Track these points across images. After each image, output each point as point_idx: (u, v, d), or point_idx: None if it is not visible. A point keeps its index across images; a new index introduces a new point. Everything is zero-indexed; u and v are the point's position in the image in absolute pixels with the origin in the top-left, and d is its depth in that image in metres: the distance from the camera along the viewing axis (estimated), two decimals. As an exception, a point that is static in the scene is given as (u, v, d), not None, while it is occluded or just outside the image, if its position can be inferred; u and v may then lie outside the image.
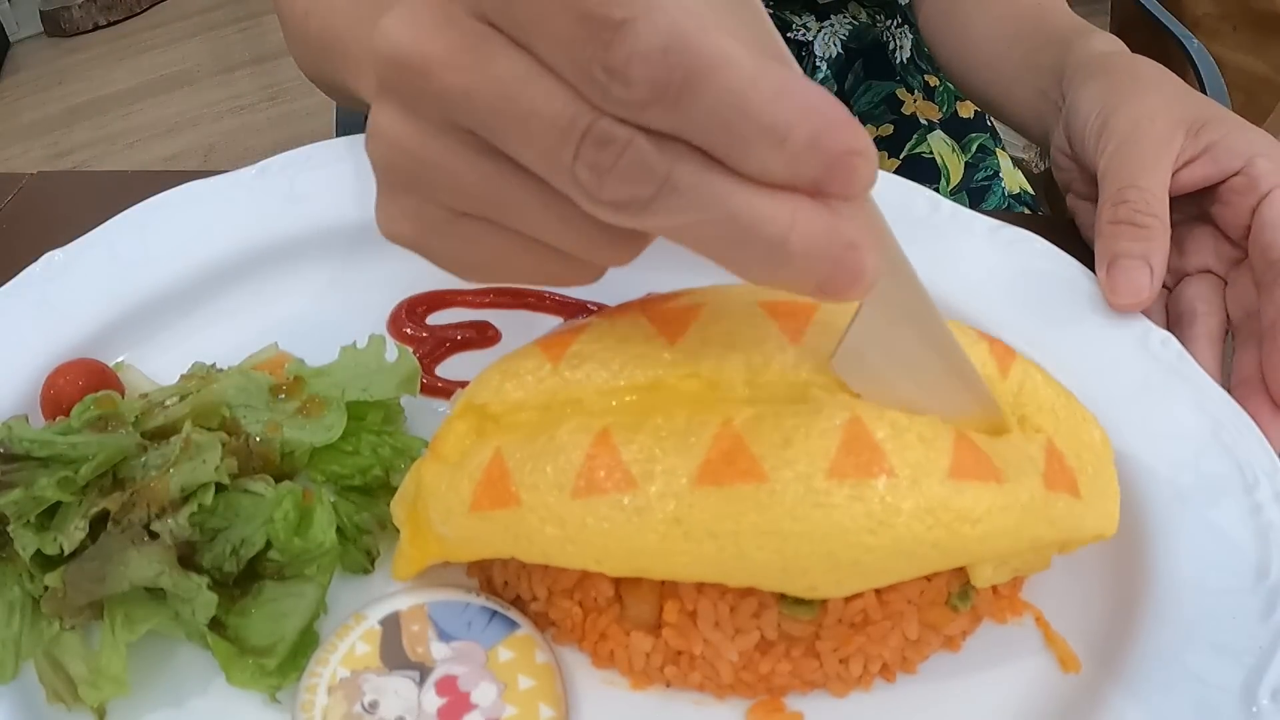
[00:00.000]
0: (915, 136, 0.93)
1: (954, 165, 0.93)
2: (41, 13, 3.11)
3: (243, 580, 0.44)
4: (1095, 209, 0.58)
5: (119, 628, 0.41)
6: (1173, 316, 0.58)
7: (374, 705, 0.40)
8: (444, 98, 0.29)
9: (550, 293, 0.61)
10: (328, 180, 0.62)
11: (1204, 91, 0.98)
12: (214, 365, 0.52)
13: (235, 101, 2.77)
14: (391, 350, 0.51)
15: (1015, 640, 0.45)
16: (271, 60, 2.87)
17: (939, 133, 0.94)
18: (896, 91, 0.95)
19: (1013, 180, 0.94)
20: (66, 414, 0.47)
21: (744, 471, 0.37)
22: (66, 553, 0.42)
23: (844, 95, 0.94)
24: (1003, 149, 0.97)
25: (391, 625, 0.43)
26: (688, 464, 0.38)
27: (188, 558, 0.42)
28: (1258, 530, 0.45)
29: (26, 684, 0.42)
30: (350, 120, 1.06)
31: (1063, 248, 0.58)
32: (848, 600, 0.41)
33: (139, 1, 3.19)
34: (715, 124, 0.27)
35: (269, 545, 0.44)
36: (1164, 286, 0.58)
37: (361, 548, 0.47)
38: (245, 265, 0.60)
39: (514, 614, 0.44)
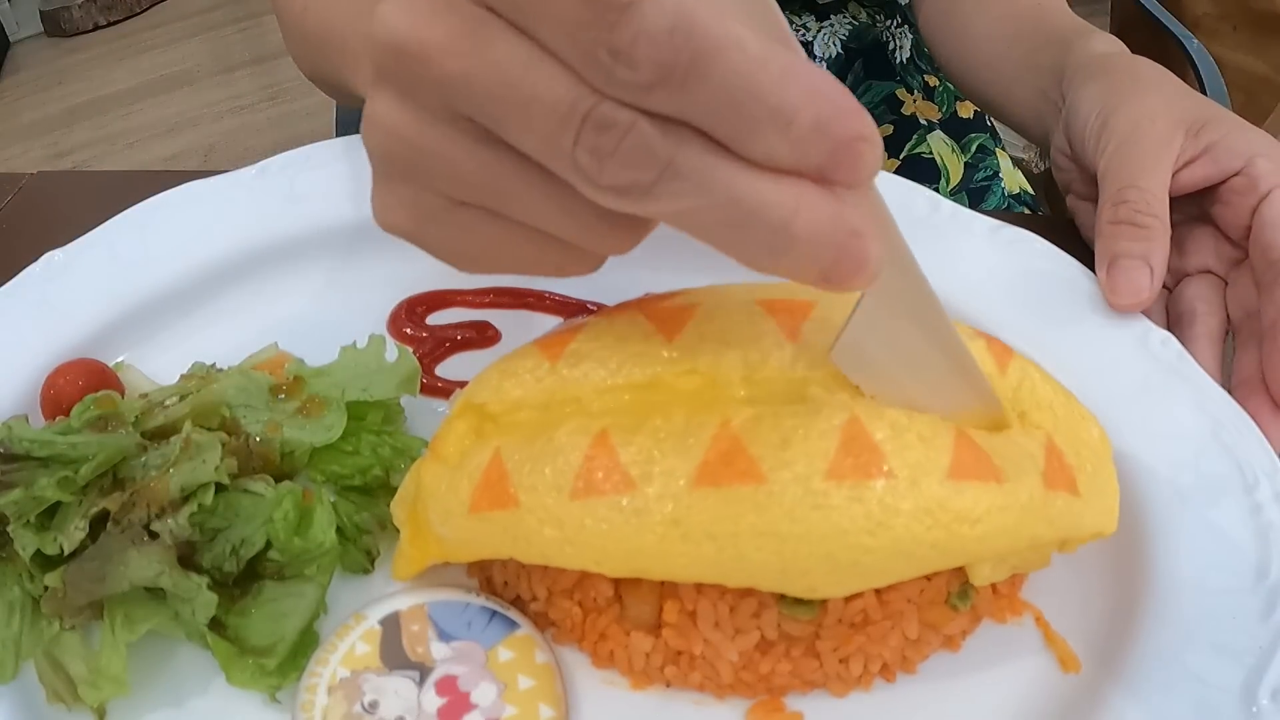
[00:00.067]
0: (915, 136, 0.93)
1: (954, 165, 0.93)
2: (41, 13, 3.11)
3: (243, 580, 0.44)
4: (1095, 209, 0.58)
5: (119, 628, 0.41)
6: (1173, 317, 0.58)
7: (374, 705, 0.40)
8: (442, 84, 0.29)
9: (550, 293, 0.61)
10: (327, 180, 0.62)
11: (1204, 91, 0.98)
12: (214, 365, 0.52)
13: (235, 101, 2.77)
14: (391, 350, 0.51)
15: (1015, 640, 0.45)
16: (271, 60, 2.87)
17: (939, 133, 0.94)
18: (896, 92, 0.95)
19: (1012, 180, 0.94)
20: (66, 414, 0.47)
21: (742, 473, 0.37)
22: (66, 553, 0.42)
23: (844, 95, 0.94)
24: (1002, 149, 0.97)
25: (391, 625, 0.43)
26: (686, 465, 0.38)
27: (188, 558, 0.42)
28: (1258, 530, 0.45)
29: (26, 684, 0.42)
30: (350, 120, 1.06)
31: (1063, 248, 0.58)
32: (847, 600, 0.41)
33: (139, 1, 3.19)
34: (721, 107, 0.27)
35: (269, 545, 0.44)
36: (1164, 287, 0.58)
37: (361, 548, 0.47)
38: (245, 265, 0.60)
39: (514, 614, 0.44)
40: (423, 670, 0.42)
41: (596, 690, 0.43)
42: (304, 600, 0.43)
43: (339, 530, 0.45)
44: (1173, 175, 0.56)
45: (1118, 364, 0.52)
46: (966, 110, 0.97)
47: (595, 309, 0.58)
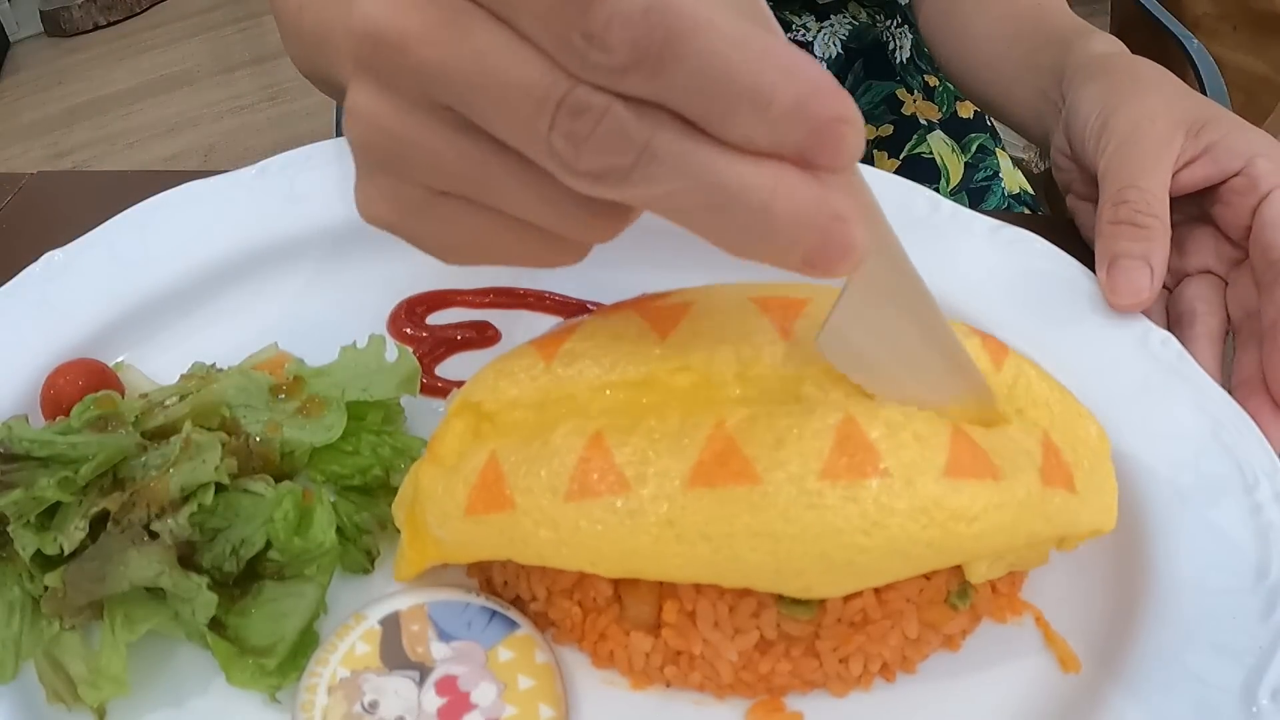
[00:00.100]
0: (915, 137, 0.93)
1: (954, 165, 0.93)
2: (41, 13, 3.11)
3: (243, 580, 0.44)
4: (1095, 209, 0.58)
5: (119, 628, 0.41)
6: (1173, 317, 0.58)
7: (374, 705, 0.40)
8: (421, 73, 0.29)
9: (550, 293, 0.61)
10: (327, 180, 0.62)
11: (1204, 91, 0.98)
12: (214, 365, 0.52)
13: (235, 101, 2.77)
14: (391, 350, 0.51)
15: (1015, 640, 0.45)
16: (271, 60, 2.87)
17: (939, 133, 0.94)
18: (896, 92, 0.95)
19: (1012, 180, 0.94)
20: (66, 414, 0.47)
21: (736, 473, 0.37)
22: (66, 553, 0.42)
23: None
24: (1002, 149, 0.97)
25: (391, 625, 0.43)
26: (680, 466, 0.38)
27: (188, 558, 0.42)
28: (1258, 530, 0.45)
29: (26, 684, 0.42)
30: (350, 120, 1.06)
31: (1063, 248, 0.58)
32: (847, 600, 0.41)
33: (139, 1, 3.19)
34: (697, 88, 0.27)
35: (269, 545, 0.44)
36: (1164, 287, 0.58)
37: (361, 548, 0.47)
38: (245, 265, 0.60)
39: (514, 614, 0.44)
40: (423, 670, 0.42)
41: (596, 690, 0.43)
42: (304, 600, 0.43)
43: (339, 530, 0.45)
44: (1173, 175, 0.56)
45: (1118, 364, 0.52)
46: (966, 110, 0.97)
47: (594, 309, 0.58)
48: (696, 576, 0.40)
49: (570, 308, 0.60)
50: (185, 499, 0.43)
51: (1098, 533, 0.42)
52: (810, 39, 0.92)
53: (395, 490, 0.46)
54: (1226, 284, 0.58)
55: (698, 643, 0.41)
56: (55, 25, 3.11)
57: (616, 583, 0.42)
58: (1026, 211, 0.92)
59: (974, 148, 0.95)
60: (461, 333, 0.59)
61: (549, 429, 0.40)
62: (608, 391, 0.41)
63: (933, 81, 0.97)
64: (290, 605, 0.43)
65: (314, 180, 0.62)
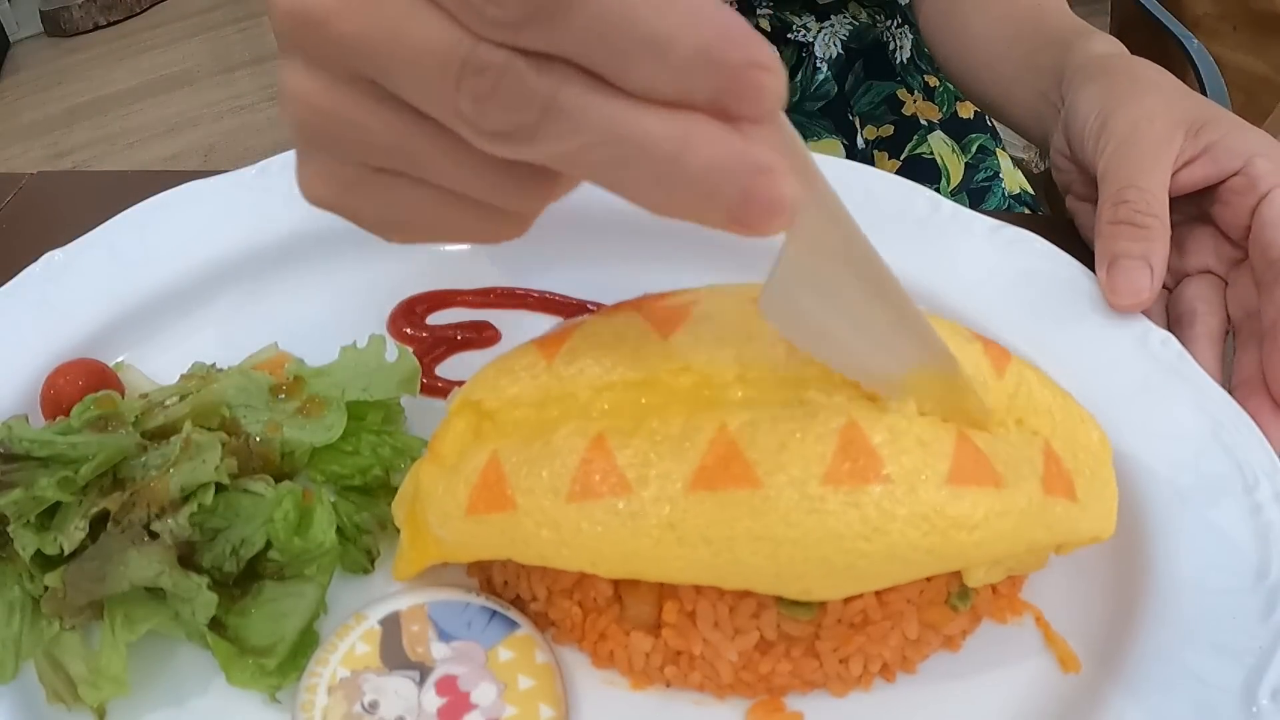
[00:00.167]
0: (916, 137, 0.93)
1: (954, 166, 0.93)
2: (41, 13, 3.11)
3: (243, 580, 0.44)
4: (1095, 210, 0.58)
5: (119, 628, 0.41)
6: (1173, 317, 0.58)
7: (374, 705, 0.40)
8: (341, 46, 0.29)
9: (550, 293, 0.61)
10: (328, 180, 0.62)
11: (1204, 92, 0.98)
12: (214, 365, 0.52)
13: (235, 101, 2.77)
14: (391, 350, 0.51)
15: (1015, 640, 0.45)
16: (271, 60, 2.87)
17: (939, 133, 0.94)
18: (897, 92, 0.95)
19: (1013, 181, 0.94)
20: (66, 414, 0.47)
21: (738, 477, 0.37)
22: (66, 553, 0.42)
23: (844, 96, 0.94)
24: (1003, 149, 0.97)
25: (391, 625, 0.43)
26: (682, 469, 0.38)
27: (188, 558, 0.42)
28: (1258, 530, 0.45)
29: (26, 684, 0.42)
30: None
31: (1063, 248, 0.58)
32: (847, 601, 0.41)
33: (139, 1, 3.19)
34: (595, 37, 0.26)
35: (269, 545, 0.44)
36: (1164, 287, 0.58)
37: (361, 548, 0.47)
38: (245, 265, 0.60)
39: (514, 614, 0.44)
40: (423, 670, 0.42)
41: (596, 690, 0.43)
42: (304, 600, 0.43)
43: (339, 530, 0.45)
44: (1172, 175, 0.56)
45: (1118, 364, 0.52)
46: (967, 111, 0.97)
47: (595, 309, 0.58)
48: (697, 579, 0.40)
49: (571, 308, 0.60)
50: (185, 499, 0.43)
51: (1097, 539, 0.42)
52: (810, 39, 0.92)
53: (395, 490, 0.46)
54: (1226, 284, 0.58)
55: (698, 643, 0.41)
56: (55, 25, 3.11)
57: (617, 583, 0.42)
58: (1026, 211, 0.92)
59: (974, 148, 0.95)
60: (461, 333, 0.59)
61: (550, 429, 0.40)
62: (609, 391, 0.41)
63: (933, 82, 0.97)
64: (290, 605, 0.43)
65: (314, 180, 0.62)
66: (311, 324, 0.57)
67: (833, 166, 0.64)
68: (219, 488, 0.43)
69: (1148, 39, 1.09)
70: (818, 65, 0.92)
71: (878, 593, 0.41)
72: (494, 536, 0.40)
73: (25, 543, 0.42)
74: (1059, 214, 0.69)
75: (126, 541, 0.41)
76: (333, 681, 0.41)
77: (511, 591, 0.45)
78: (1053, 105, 0.67)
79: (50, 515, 0.43)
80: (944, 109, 0.96)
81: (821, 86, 0.93)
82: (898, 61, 0.96)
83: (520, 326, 0.59)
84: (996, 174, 0.93)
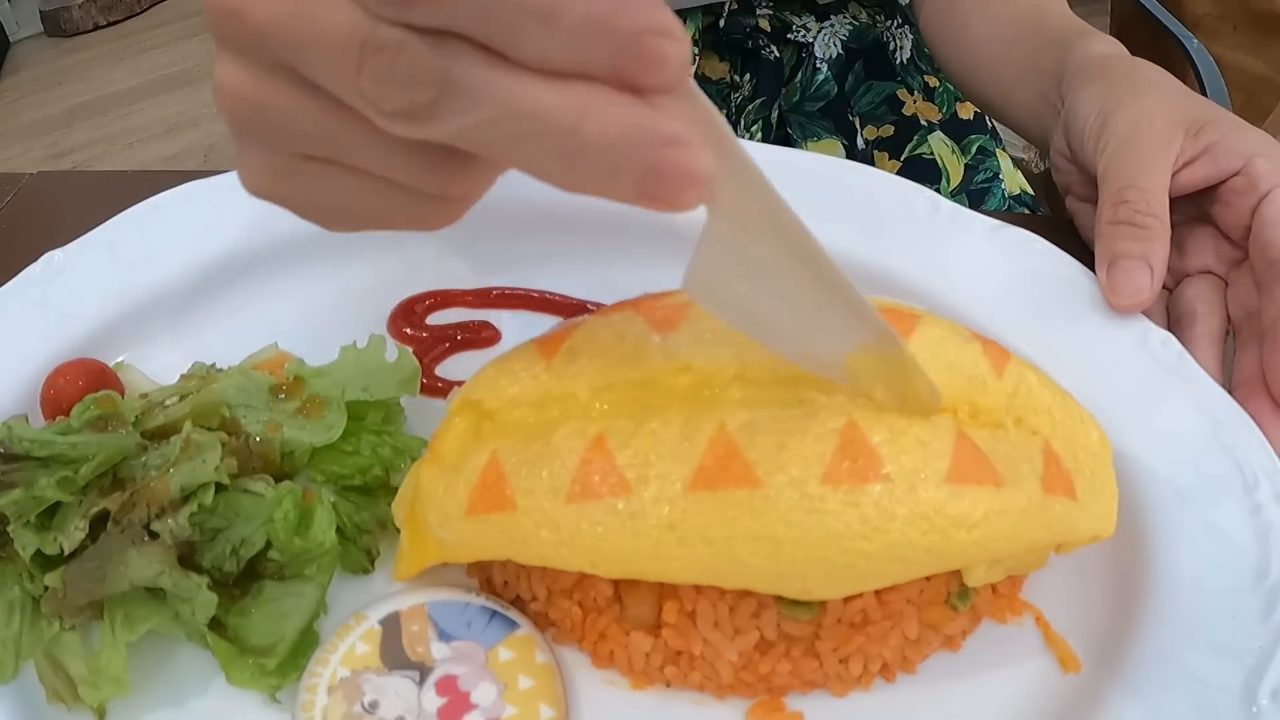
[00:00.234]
0: (915, 137, 0.93)
1: (954, 167, 0.93)
2: (41, 13, 3.11)
3: (243, 580, 0.44)
4: (1095, 211, 0.58)
5: (119, 628, 0.41)
6: (1173, 317, 0.58)
7: (374, 705, 0.40)
8: (260, 34, 0.29)
9: (550, 293, 0.61)
10: (328, 180, 0.62)
11: (1204, 92, 0.98)
12: (214, 365, 0.52)
13: (235, 102, 2.76)
14: (391, 350, 0.51)
15: (1015, 640, 0.45)
16: (271, 60, 2.87)
17: (939, 134, 0.94)
18: (897, 92, 0.95)
19: (1013, 182, 0.94)
20: (66, 414, 0.47)
21: (738, 477, 0.37)
22: (66, 553, 0.42)
23: (844, 96, 0.94)
24: (1003, 149, 0.97)
25: (391, 625, 0.43)
26: (682, 469, 0.38)
27: (188, 558, 0.42)
28: (1258, 530, 0.45)
29: (26, 684, 0.42)
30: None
31: (1063, 248, 0.58)
32: (847, 600, 0.41)
33: (139, 1, 3.19)
34: (480, 11, 0.26)
35: (269, 545, 0.44)
36: (1164, 287, 0.58)
37: (361, 548, 0.47)
38: (245, 265, 0.60)
39: (514, 614, 0.44)
40: (423, 670, 0.42)
41: (596, 690, 0.43)
42: (304, 600, 0.43)
43: (339, 530, 0.45)
44: (1172, 176, 0.56)
45: (1118, 364, 0.52)
46: (967, 111, 0.97)
47: (595, 309, 0.58)
48: (697, 579, 0.40)
49: (570, 308, 0.60)
50: (185, 499, 0.43)
51: (1097, 539, 0.42)
52: (810, 39, 0.92)
53: (395, 490, 0.46)
54: (1226, 284, 0.58)
55: (698, 643, 0.41)
56: (55, 25, 3.11)
57: (617, 583, 0.42)
58: (1026, 212, 0.92)
59: (974, 149, 0.95)
60: (461, 333, 0.59)
61: (550, 429, 0.40)
62: (608, 391, 0.41)
63: (933, 82, 0.97)
64: (290, 605, 0.43)
65: (314, 180, 0.62)
66: (311, 324, 0.57)
67: (833, 166, 0.64)
68: (219, 488, 0.43)
69: (1148, 39, 1.09)
70: (818, 65, 0.92)
71: (878, 592, 0.41)
72: (494, 537, 0.40)
73: (25, 543, 0.42)
74: (1059, 214, 0.69)
75: (126, 541, 0.41)
76: (333, 681, 0.41)
77: (511, 591, 0.45)
78: (1053, 106, 0.67)
79: (50, 515, 0.43)
80: (944, 109, 0.96)
81: (821, 87, 0.93)
82: (898, 62, 0.96)
83: (520, 326, 0.59)
84: (996, 175, 0.93)
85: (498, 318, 0.60)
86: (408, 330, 0.59)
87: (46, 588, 0.42)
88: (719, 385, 0.41)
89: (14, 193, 0.71)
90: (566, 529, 0.39)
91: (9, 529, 0.42)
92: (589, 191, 0.28)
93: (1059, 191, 0.67)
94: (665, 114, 0.27)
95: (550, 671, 0.42)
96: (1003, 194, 0.92)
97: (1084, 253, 0.58)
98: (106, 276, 0.57)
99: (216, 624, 0.42)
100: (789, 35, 0.92)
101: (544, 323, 0.59)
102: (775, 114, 0.92)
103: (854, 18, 0.94)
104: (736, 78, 0.93)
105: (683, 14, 0.89)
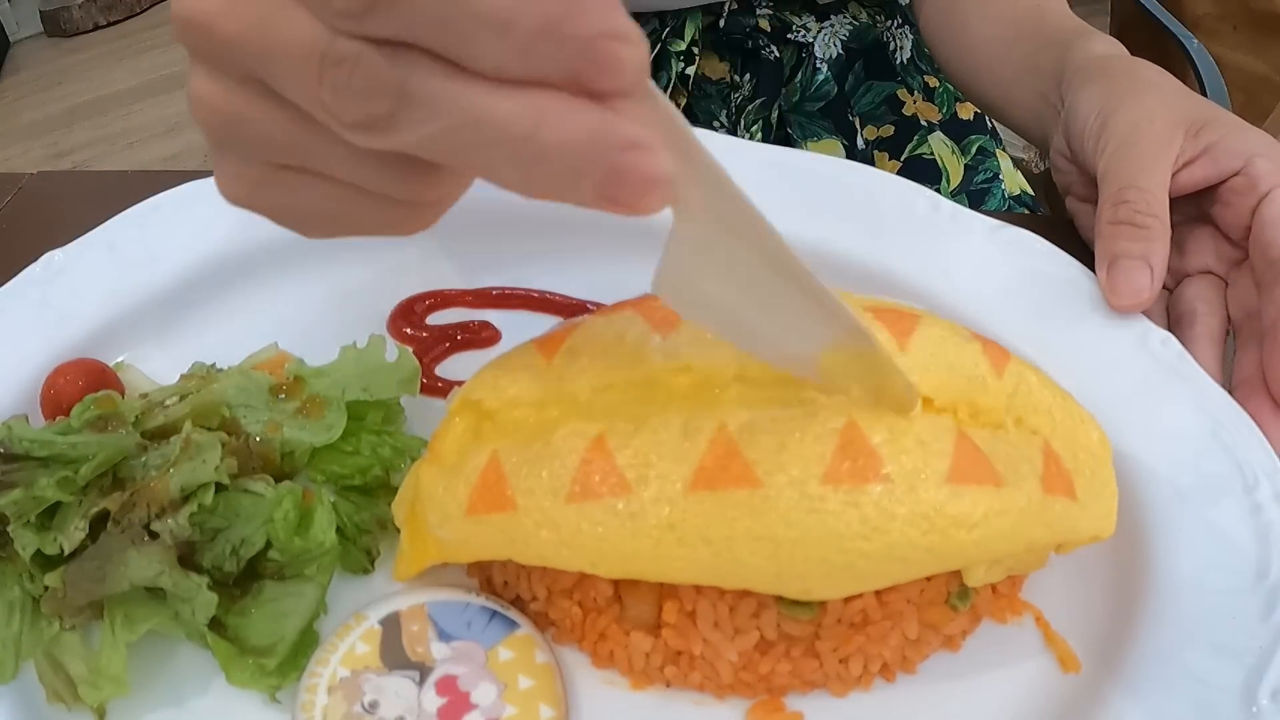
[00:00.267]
0: (915, 138, 0.93)
1: (954, 167, 0.93)
2: (41, 13, 3.11)
3: (243, 580, 0.44)
4: (1095, 211, 0.58)
5: (119, 628, 0.41)
6: (1173, 317, 0.58)
7: (374, 705, 0.40)
8: (228, 47, 0.29)
9: (550, 293, 0.61)
10: (328, 180, 0.62)
11: (1204, 92, 0.98)
12: (214, 365, 0.52)
13: (235, 102, 2.76)
14: (391, 350, 0.51)
15: (1015, 640, 0.45)
16: (272, 60, 2.87)
17: (939, 134, 0.94)
18: (897, 92, 0.95)
19: (1013, 182, 0.94)
20: (66, 414, 0.47)
21: (738, 477, 0.37)
22: (66, 553, 0.42)
23: (844, 96, 0.94)
24: (1003, 150, 0.97)
25: (391, 625, 0.43)
26: (682, 469, 0.38)
27: (188, 558, 0.42)
28: (1258, 530, 0.45)
29: (26, 684, 0.42)
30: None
31: (1063, 248, 0.58)
32: (847, 600, 0.41)
33: (139, 1, 3.19)
34: (434, 21, 0.26)
35: (269, 545, 0.44)
36: (1164, 287, 0.58)
37: (361, 548, 0.47)
38: (245, 265, 0.60)
39: (514, 614, 0.44)
40: (423, 670, 0.42)
41: (596, 690, 0.43)
42: (304, 600, 0.43)
43: (339, 530, 0.45)
44: (1172, 176, 0.56)
45: (1118, 364, 0.52)
46: (967, 112, 0.97)
47: (595, 309, 0.58)
48: (697, 579, 0.40)
49: (570, 308, 0.60)
50: (185, 499, 0.43)
51: (1097, 538, 0.42)
52: (810, 39, 0.92)
53: (395, 490, 0.46)
54: (1226, 284, 0.58)
55: (698, 643, 0.41)
56: (55, 25, 3.11)
57: (617, 583, 0.42)
58: (1026, 212, 0.92)
59: (974, 149, 0.95)
60: (461, 333, 0.59)
61: (550, 429, 0.40)
62: (608, 391, 0.41)
63: (933, 82, 0.97)
64: (290, 605, 0.43)
65: (314, 180, 0.62)
66: (311, 324, 0.57)
67: (833, 166, 0.64)
68: (219, 488, 0.43)
69: (1148, 39, 1.09)
70: (818, 65, 0.92)
71: (878, 592, 0.41)
72: (494, 537, 0.40)
73: (25, 543, 0.42)
74: (1059, 214, 0.69)
75: (126, 541, 0.41)
76: (333, 681, 0.41)
77: (511, 591, 0.45)
78: (1053, 106, 0.67)
79: (50, 515, 0.43)
80: (944, 110, 0.96)
81: (821, 87, 0.93)
82: (898, 62, 0.96)
83: (520, 326, 0.59)
84: (996, 175, 0.93)
85: (498, 318, 0.60)
86: (408, 330, 0.59)
87: (46, 588, 0.42)
88: (719, 385, 0.41)
89: (14, 193, 0.71)
90: (566, 529, 0.39)
91: (9, 529, 0.42)
92: (551, 197, 0.28)
93: (1059, 191, 0.67)
94: (624, 118, 0.27)
95: (550, 671, 0.42)
96: (1003, 194, 0.92)
97: (1084, 253, 0.58)
98: (106, 276, 0.57)
99: (216, 624, 0.42)
100: (789, 35, 0.92)
101: (544, 323, 0.59)
102: (775, 114, 0.92)
103: (854, 18, 0.94)
104: (736, 78, 0.93)
105: (683, 14, 0.89)
